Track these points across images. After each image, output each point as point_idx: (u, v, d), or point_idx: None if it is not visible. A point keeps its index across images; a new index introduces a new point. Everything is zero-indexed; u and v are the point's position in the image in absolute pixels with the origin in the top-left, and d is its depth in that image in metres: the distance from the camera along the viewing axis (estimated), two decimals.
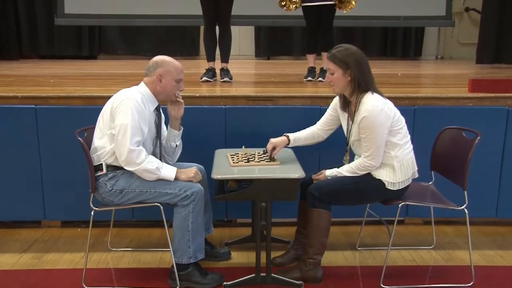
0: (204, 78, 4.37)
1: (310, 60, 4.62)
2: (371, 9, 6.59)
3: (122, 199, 2.74)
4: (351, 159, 2.90)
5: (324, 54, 4.31)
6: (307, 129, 3.02)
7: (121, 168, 2.71)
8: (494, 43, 6.72)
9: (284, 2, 4.37)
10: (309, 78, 4.51)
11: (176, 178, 2.72)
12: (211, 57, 4.49)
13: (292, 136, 2.96)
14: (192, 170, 2.78)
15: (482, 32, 6.85)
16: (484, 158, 3.37)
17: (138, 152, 2.63)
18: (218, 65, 4.49)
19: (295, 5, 4.36)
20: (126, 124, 2.61)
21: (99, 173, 2.74)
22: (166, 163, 2.85)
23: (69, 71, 5.72)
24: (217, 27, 4.41)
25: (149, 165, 2.65)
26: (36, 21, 7.71)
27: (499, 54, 6.75)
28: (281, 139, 2.93)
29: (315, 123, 3.02)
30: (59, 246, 3.34)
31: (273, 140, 2.91)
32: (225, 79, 4.38)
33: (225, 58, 4.49)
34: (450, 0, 7.05)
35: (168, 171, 2.72)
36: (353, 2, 4.31)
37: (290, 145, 2.95)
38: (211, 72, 4.44)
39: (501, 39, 6.70)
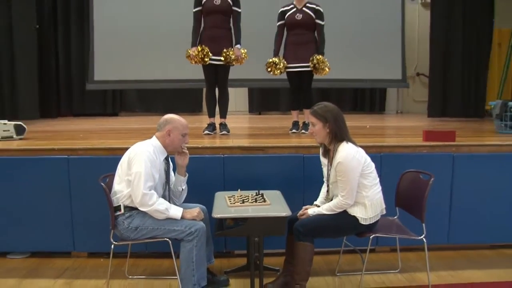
0: (206, 132, 4.35)
1: (294, 115, 4.62)
2: (343, 73, 6.67)
3: (137, 234, 2.70)
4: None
5: (306, 111, 4.32)
6: (321, 191, 2.97)
7: (136, 208, 2.68)
8: (441, 100, 6.81)
9: (270, 68, 4.37)
10: (294, 131, 4.50)
11: (182, 217, 2.68)
12: (211, 114, 4.48)
13: (319, 202, 2.92)
14: (195, 210, 2.75)
15: (430, 92, 6.95)
16: (437, 195, 3.33)
17: (150, 196, 2.61)
18: (217, 120, 4.49)
19: (279, 71, 4.35)
20: (140, 172, 2.60)
21: (118, 213, 2.71)
22: (174, 204, 2.82)
23: (96, 127, 5.71)
24: (216, 89, 4.42)
25: (160, 206, 2.63)
26: (72, 86, 7.78)
27: (445, 110, 6.83)
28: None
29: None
30: (86, 273, 3.26)
31: (306, 207, 2.86)
32: (224, 132, 4.36)
33: (223, 115, 4.47)
34: (404, 67, 7.17)
35: (176, 211, 2.69)
36: (326, 69, 4.32)
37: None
38: (211, 127, 4.42)
39: (446, 97, 6.80)
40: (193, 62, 4.24)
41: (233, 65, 4.29)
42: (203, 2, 4.22)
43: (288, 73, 4.44)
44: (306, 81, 4.42)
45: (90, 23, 6.74)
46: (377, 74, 7.09)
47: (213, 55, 4.19)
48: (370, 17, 6.94)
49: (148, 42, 6.63)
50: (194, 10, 4.28)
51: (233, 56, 4.18)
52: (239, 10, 4.29)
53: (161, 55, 6.58)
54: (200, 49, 4.15)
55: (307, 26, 4.32)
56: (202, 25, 4.28)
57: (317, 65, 4.26)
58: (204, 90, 4.61)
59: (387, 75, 7.14)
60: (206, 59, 4.17)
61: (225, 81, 4.39)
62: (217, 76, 4.34)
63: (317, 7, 4.33)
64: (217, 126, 4.50)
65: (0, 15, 6.46)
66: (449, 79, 6.76)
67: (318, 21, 4.32)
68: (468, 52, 6.72)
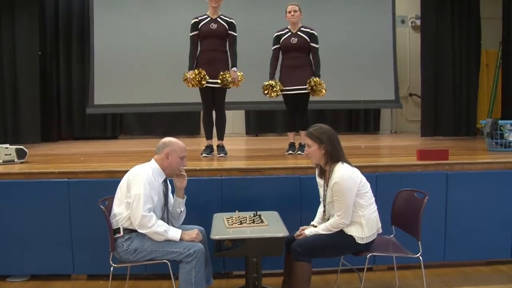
0: (204, 154, 4.35)
1: (291, 136, 4.61)
2: (338, 95, 6.73)
3: (136, 256, 2.67)
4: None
5: (302, 132, 4.33)
6: (318, 211, 2.95)
7: (135, 231, 2.66)
8: (433, 120, 6.87)
9: (267, 91, 4.39)
10: (290, 152, 4.49)
11: (181, 239, 2.67)
12: (209, 136, 4.48)
13: (315, 223, 2.90)
14: (194, 232, 2.74)
15: (423, 112, 7.02)
16: (432, 213, 3.34)
17: (149, 218, 2.60)
18: (215, 142, 4.49)
19: (275, 93, 4.36)
20: (140, 194, 2.60)
21: (117, 235, 2.68)
22: (173, 226, 2.80)
23: (96, 150, 5.70)
24: (213, 112, 4.43)
25: (158, 228, 2.62)
26: (73, 111, 7.83)
27: (437, 129, 6.88)
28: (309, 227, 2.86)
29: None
30: None
31: (302, 228, 2.84)
32: (221, 154, 4.36)
33: (220, 137, 4.47)
34: (397, 88, 7.25)
35: (174, 233, 2.67)
36: (323, 91, 4.35)
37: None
38: (209, 149, 4.41)
39: (438, 117, 6.87)
40: (190, 86, 4.27)
41: (230, 87, 4.32)
42: (199, 27, 4.27)
43: (284, 96, 4.46)
44: (302, 103, 4.44)
45: (90, 49, 6.83)
46: (371, 95, 7.16)
47: (210, 78, 4.22)
48: (363, 41, 7.05)
49: (147, 67, 6.71)
50: (190, 35, 4.31)
51: (229, 79, 4.21)
52: (235, 34, 4.35)
53: (159, 79, 6.65)
54: (197, 72, 4.18)
55: (302, 49, 4.36)
56: (199, 48, 4.32)
57: (314, 87, 4.29)
58: (202, 113, 4.62)
59: (381, 96, 7.21)
60: (203, 82, 4.20)
61: (222, 104, 4.41)
62: (214, 99, 4.36)
63: (312, 31, 4.38)
64: (215, 148, 4.49)
65: (4, 41, 6.54)
66: (441, 99, 6.84)
67: (313, 44, 4.36)
68: (458, 72, 6.83)
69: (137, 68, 6.70)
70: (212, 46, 4.26)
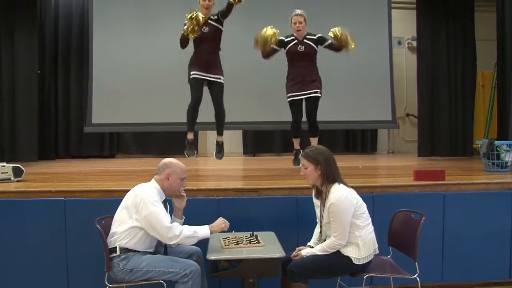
0: (191, 156, 4.28)
1: (296, 143, 4.52)
2: (335, 116, 6.75)
3: (132, 276, 2.66)
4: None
5: (312, 139, 4.31)
6: (314, 232, 2.96)
7: (132, 250, 2.66)
8: (430, 140, 6.91)
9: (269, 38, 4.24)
10: (297, 166, 4.38)
11: (212, 232, 2.75)
12: (191, 128, 4.30)
13: (312, 243, 2.91)
14: (220, 222, 2.82)
15: (419, 132, 7.06)
16: (429, 234, 3.33)
17: (175, 227, 2.66)
18: (211, 137, 4.32)
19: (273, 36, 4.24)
20: (155, 210, 2.64)
21: (114, 254, 2.68)
22: (170, 247, 2.81)
23: (93, 169, 5.71)
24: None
25: (188, 233, 2.68)
26: (70, 129, 7.84)
27: (434, 149, 6.92)
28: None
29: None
30: None
31: (299, 248, 2.84)
32: (219, 156, 4.34)
33: (220, 131, 4.42)
34: (394, 108, 7.29)
35: (204, 231, 2.75)
36: (353, 45, 4.27)
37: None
38: (193, 146, 4.32)
39: (434, 137, 6.91)
40: (189, 29, 4.04)
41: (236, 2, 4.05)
42: None
43: (291, 101, 4.42)
44: (313, 105, 4.37)
45: (89, 68, 6.88)
46: (368, 116, 7.18)
47: (206, 74, 4.21)
48: (359, 62, 7.09)
49: (145, 87, 6.74)
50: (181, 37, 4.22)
51: None
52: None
53: (157, 99, 6.68)
54: (193, 15, 4.00)
55: (309, 57, 4.36)
56: (194, 51, 4.29)
57: (340, 37, 4.21)
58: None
59: (378, 116, 7.24)
60: (196, 29, 4.03)
61: (221, 98, 4.34)
62: (212, 94, 4.31)
63: (317, 35, 4.38)
64: (213, 145, 4.44)
65: (3, 60, 6.60)
66: (437, 119, 6.90)
67: (325, 42, 4.35)
68: (454, 93, 6.90)
69: (135, 88, 6.74)
70: (207, 49, 4.25)
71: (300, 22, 4.31)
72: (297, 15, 4.33)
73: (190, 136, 4.35)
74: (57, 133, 7.77)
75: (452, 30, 6.94)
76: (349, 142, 8.78)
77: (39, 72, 6.95)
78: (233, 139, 8.16)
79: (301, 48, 4.33)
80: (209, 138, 6.53)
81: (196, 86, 4.26)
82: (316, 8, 6.97)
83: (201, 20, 4.05)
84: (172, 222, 2.91)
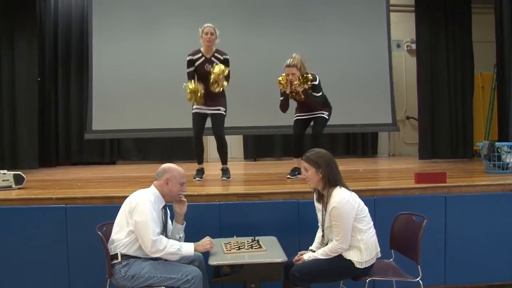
0: (197, 178, 4.41)
1: (296, 162, 4.46)
2: (335, 119, 6.75)
3: (134, 283, 2.65)
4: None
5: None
6: (316, 236, 2.96)
7: (134, 257, 2.66)
8: (430, 143, 6.91)
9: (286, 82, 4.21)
10: (289, 176, 4.46)
11: (195, 251, 2.74)
12: (200, 161, 4.55)
13: (314, 248, 2.91)
14: (205, 241, 2.79)
15: (420, 135, 7.06)
16: (431, 237, 3.34)
17: (160, 241, 2.62)
18: (215, 166, 4.44)
19: (289, 91, 4.22)
20: (145, 220, 2.61)
21: (115, 261, 2.68)
22: None
23: (93, 175, 5.70)
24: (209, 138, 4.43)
25: (172, 249, 2.65)
26: (71, 136, 7.85)
27: (435, 151, 6.91)
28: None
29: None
30: None
31: (301, 253, 2.85)
32: (224, 178, 4.40)
33: (224, 161, 4.52)
34: (394, 111, 7.31)
35: (188, 249, 2.73)
36: (305, 85, 4.17)
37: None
38: (201, 172, 4.49)
39: (435, 139, 6.90)
40: (190, 92, 4.18)
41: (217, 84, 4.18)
42: (196, 64, 4.31)
43: (296, 120, 4.47)
44: (319, 125, 4.38)
45: (89, 75, 6.90)
46: (368, 119, 7.20)
47: (207, 107, 4.30)
48: (359, 65, 7.14)
49: (145, 93, 6.77)
50: (188, 71, 4.34)
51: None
52: (229, 69, 4.29)
53: (157, 105, 6.71)
54: (195, 87, 4.15)
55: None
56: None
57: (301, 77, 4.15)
58: (193, 139, 4.58)
59: (378, 119, 7.26)
60: (198, 96, 4.17)
61: (221, 129, 4.42)
62: (213, 126, 4.40)
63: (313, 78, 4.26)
64: (218, 171, 4.48)
65: (3, 66, 6.62)
66: (437, 121, 6.90)
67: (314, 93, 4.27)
68: (453, 95, 6.91)
69: (135, 94, 6.76)
70: (209, 85, 4.25)
71: (293, 74, 4.18)
72: (288, 66, 4.20)
73: (200, 166, 4.55)
74: (58, 140, 7.78)
75: (450, 32, 6.97)
76: (350, 146, 8.78)
77: (39, 79, 6.96)
78: (233, 144, 8.16)
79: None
80: (210, 141, 6.53)
81: (196, 118, 4.42)
82: (315, 12, 7.03)
83: (200, 90, 4.19)
84: (172, 227, 2.93)
